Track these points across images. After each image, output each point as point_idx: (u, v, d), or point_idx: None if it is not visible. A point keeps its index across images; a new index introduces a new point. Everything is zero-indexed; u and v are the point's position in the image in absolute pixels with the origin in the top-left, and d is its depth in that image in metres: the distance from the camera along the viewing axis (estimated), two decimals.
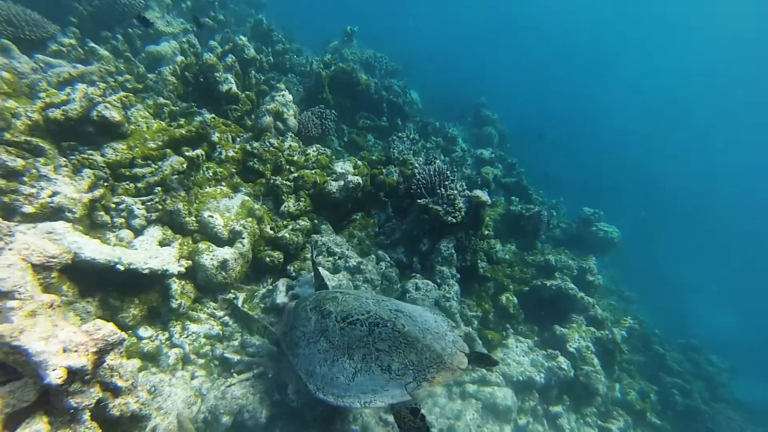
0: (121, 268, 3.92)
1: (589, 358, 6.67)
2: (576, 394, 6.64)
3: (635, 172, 40.89)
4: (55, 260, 3.10)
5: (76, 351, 2.25)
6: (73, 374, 2.25)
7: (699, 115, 53.08)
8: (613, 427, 6.58)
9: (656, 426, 7.42)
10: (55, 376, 2.09)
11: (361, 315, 3.41)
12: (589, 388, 6.52)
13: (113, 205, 4.66)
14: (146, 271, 4.08)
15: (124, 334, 2.53)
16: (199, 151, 5.02)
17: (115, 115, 5.44)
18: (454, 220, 5.96)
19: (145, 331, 4.23)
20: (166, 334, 4.30)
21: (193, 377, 4.06)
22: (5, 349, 2.14)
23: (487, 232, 7.62)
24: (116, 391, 3.01)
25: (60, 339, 2.24)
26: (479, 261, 7.02)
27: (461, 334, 5.92)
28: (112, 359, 2.51)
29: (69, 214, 4.14)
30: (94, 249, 3.92)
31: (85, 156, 4.84)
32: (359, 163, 7.06)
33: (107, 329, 2.40)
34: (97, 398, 2.51)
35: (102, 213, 4.53)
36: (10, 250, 2.90)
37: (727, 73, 53.66)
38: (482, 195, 6.13)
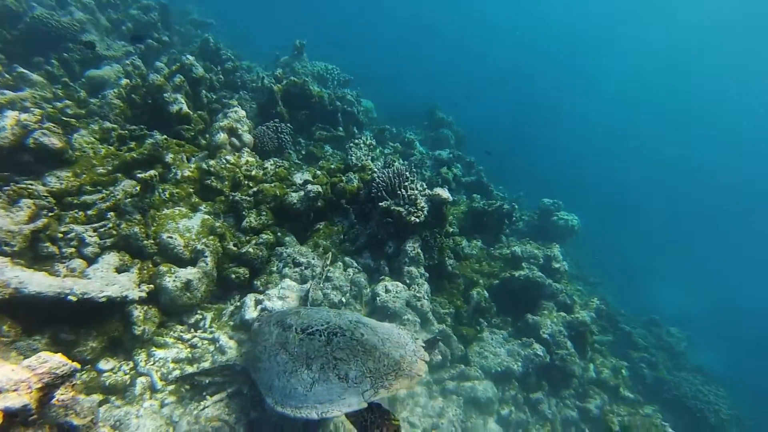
0: (73, 298, 3.70)
1: (562, 342, 6.87)
2: (553, 378, 6.82)
3: (594, 165, 42.84)
4: None
5: (15, 390, 2.09)
6: (12, 416, 2.08)
7: (648, 110, 56.51)
8: (591, 405, 6.79)
9: (629, 399, 7.73)
10: None
11: (321, 326, 3.40)
12: (565, 371, 6.71)
13: (60, 235, 4.42)
14: (103, 299, 3.88)
15: (75, 364, 2.38)
16: (152, 172, 4.87)
17: (55, 141, 5.19)
18: (417, 220, 6.04)
19: (106, 363, 4.01)
20: (130, 364, 4.09)
21: (162, 405, 3.87)
22: None
23: (452, 230, 7.76)
24: (72, 431, 2.82)
25: None
26: (447, 258, 7.12)
27: (436, 330, 5.98)
28: (62, 394, 2.35)
29: (6, 248, 3.89)
30: (40, 282, 3.68)
31: (23, 186, 4.57)
32: (318, 172, 7.04)
33: (54, 361, 2.25)
34: None
35: (48, 244, 4.28)
36: None
37: (668, 67, 57.54)
38: (443, 192, 6.25)
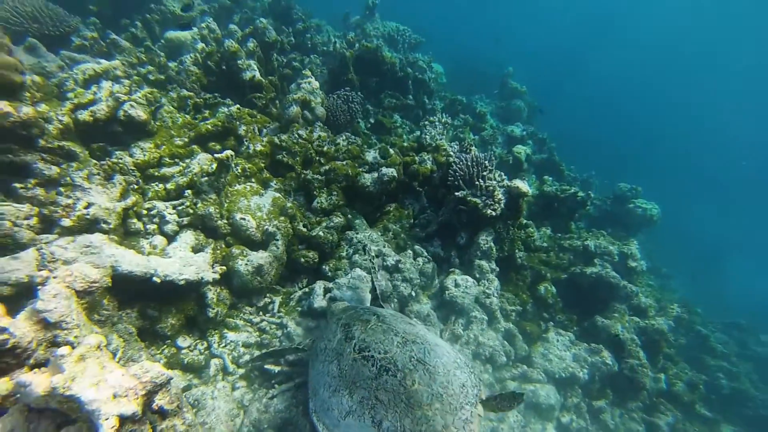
0: (158, 280, 3.83)
1: (634, 351, 6.41)
2: (620, 387, 6.42)
3: (671, 142, 39.21)
4: (96, 284, 3.01)
5: (126, 396, 2.15)
6: (125, 420, 2.15)
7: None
8: (661, 422, 6.36)
9: (707, 418, 7.17)
10: (108, 426, 2.00)
11: (378, 353, 3.11)
12: (634, 382, 6.28)
13: (145, 212, 4.55)
14: (182, 282, 3.99)
15: (170, 372, 2.42)
16: (228, 152, 4.82)
17: (141, 113, 5.30)
18: (494, 213, 5.67)
19: (183, 341, 4.18)
20: (205, 344, 4.24)
21: (234, 388, 4.00)
22: (59, 398, 2.05)
23: (525, 222, 7.29)
24: (163, 414, 2.96)
25: (110, 384, 2.13)
26: (517, 251, 6.74)
27: (502, 329, 5.74)
28: (160, 399, 2.41)
29: (104, 225, 4.04)
30: (130, 261, 3.83)
31: (115, 161, 4.71)
32: (391, 151, 6.76)
33: (155, 371, 2.29)
34: None
35: (135, 221, 4.43)
36: (54, 278, 2.80)
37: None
38: (523, 186, 5.79)
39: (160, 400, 2.41)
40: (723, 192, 34.04)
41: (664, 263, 14.17)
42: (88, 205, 3.94)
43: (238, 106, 6.38)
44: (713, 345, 10.03)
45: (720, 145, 41.74)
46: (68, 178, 4.09)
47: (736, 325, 11.86)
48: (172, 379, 2.42)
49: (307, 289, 5.02)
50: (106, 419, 1.97)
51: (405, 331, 3.37)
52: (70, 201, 3.91)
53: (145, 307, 4.05)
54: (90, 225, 3.94)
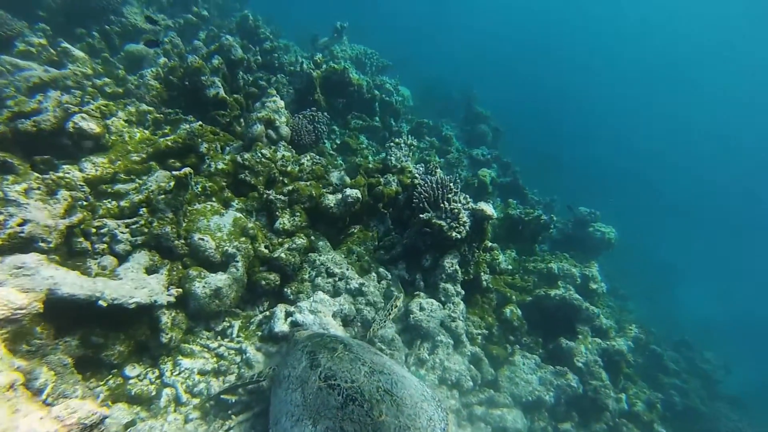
0: (104, 304, 3.55)
1: (597, 372, 6.51)
2: (584, 408, 6.47)
3: (621, 165, 41.35)
4: (22, 311, 2.73)
5: None
6: None
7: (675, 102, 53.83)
8: None
9: None
10: None
11: (345, 381, 3.01)
12: (597, 403, 6.35)
13: (94, 230, 4.26)
14: (133, 306, 3.72)
15: (104, 410, 2.19)
16: (187, 170, 4.62)
17: (93, 126, 5.05)
18: (459, 236, 5.69)
19: (132, 370, 3.87)
20: (156, 372, 3.94)
21: (186, 420, 3.72)
22: None
23: (490, 244, 7.38)
24: None
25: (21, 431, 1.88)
26: (482, 273, 6.77)
27: (468, 353, 5.70)
28: None
29: (43, 244, 3.74)
30: (73, 283, 3.54)
31: (60, 175, 4.42)
32: (357, 176, 6.71)
33: (83, 410, 2.06)
34: None
35: (81, 239, 4.14)
36: None
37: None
38: (488, 209, 5.86)
39: None
40: (682, 217, 36.11)
41: (621, 284, 14.72)
42: (23, 223, 3.63)
43: (200, 122, 6.19)
44: (666, 363, 10.41)
45: (682, 170, 44.54)
46: (0, 193, 3.76)
47: (684, 342, 12.41)
48: (105, 417, 2.19)
49: (267, 313, 4.81)
50: None
51: (372, 361, 3.29)
52: (0, 217, 3.58)
53: (88, 334, 3.73)
54: (24, 244, 3.63)
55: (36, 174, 4.43)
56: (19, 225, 3.68)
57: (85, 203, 4.53)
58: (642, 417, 7.06)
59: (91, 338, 3.73)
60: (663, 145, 48.29)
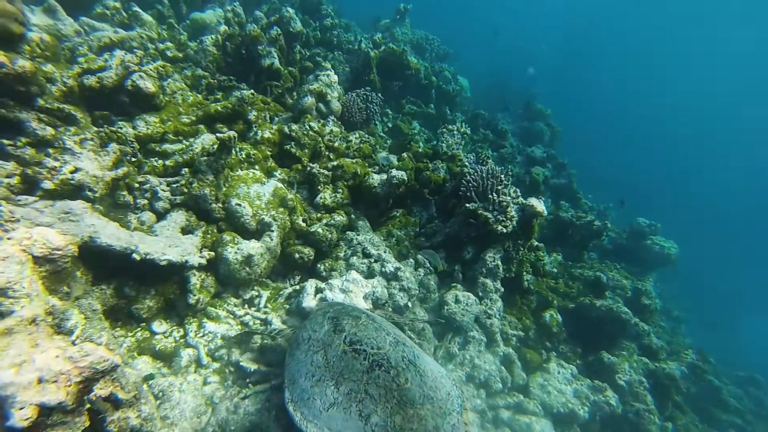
0: (137, 257, 3.56)
1: (641, 394, 5.96)
2: (621, 430, 5.96)
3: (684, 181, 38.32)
4: (59, 252, 2.74)
5: (55, 381, 1.85)
6: (50, 410, 1.85)
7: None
8: None
9: None
10: (21, 417, 1.70)
11: (371, 347, 2.95)
12: (639, 429, 5.82)
13: (137, 185, 4.32)
14: (164, 263, 3.72)
15: (118, 359, 2.13)
16: (231, 133, 4.57)
17: (149, 85, 5.11)
18: (505, 230, 5.33)
19: (159, 326, 3.90)
20: (181, 331, 3.95)
21: (205, 383, 3.70)
22: None
23: (536, 244, 6.93)
24: (116, 403, 2.67)
25: (36, 366, 1.84)
26: (525, 273, 6.36)
27: (500, 353, 5.37)
28: (101, 389, 2.11)
29: (89, 193, 3.81)
30: (111, 234, 3.59)
31: (114, 129, 4.51)
32: (404, 155, 6.47)
33: (96, 355, 2.00)
34: (83, 428, 2.13)
35: (125, 192, 4.20)
36: (8, 239, 2.54)
37: None
38: (538, 205, 5.45)
39: (101, 390, 2.11)
40: (748, 242, 32.93)
41: (674, 306, 13.57)
42: (75, 170, 3.72)
43: (252, 91, 6.18)
44: (725, 398, 9.41)
45: (752, 194, 40.52)
46: (60, 141, 3.87)
47: (752, 380, 11.17)
48: (117, 366, 2.13)
49: (298, 287, 4.72)
50: (21, 408, 1.67)
51: (395, 333, 3.27)
52: (56, 164, 3.69)
53: (122, 285, 3.79)
54: (74, 191, 3.71)
55: (95, 128, 4.56)
56: (71, 172, 3.78)
57: (133, 159, 4.61)
58: None
59: (124, 289, 3.79)
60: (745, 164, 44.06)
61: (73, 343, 2.65)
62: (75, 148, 3.96)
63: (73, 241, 2.85)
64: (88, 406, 2.06)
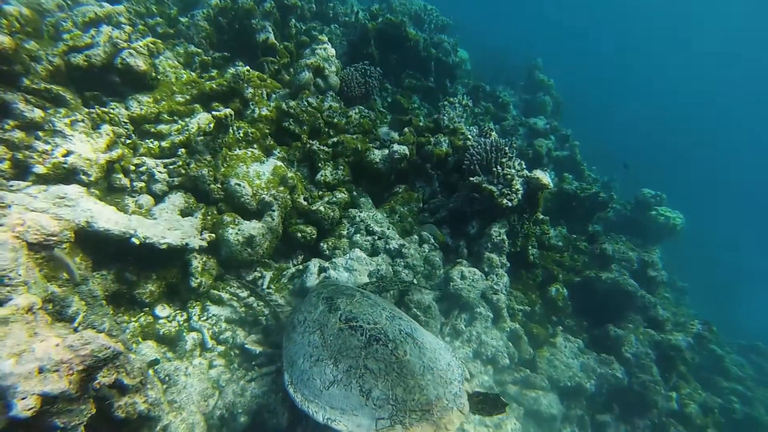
0: (136, 241, 3.49)
1: (648, 365, 5.98)
2: (627, 402, 5.99)
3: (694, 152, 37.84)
4: (54, 238, 2.66)
5: (56, 371, 1.80)
6: (53, 399, 1.80)
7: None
8: None
9: None
10: (24, 407, 1.65)
11: (367, 323, 2.93)
12: (644, 399, 5.85)
13: (133, 168, 4.21)
14: (164, 246, 3.65)
15: (120, 346, 2.07)
16: (227, 111, 4.42)
17: (140, 63, 4.93)
18: (510, 204, 5.23)
19: (162, 310, 3.86)
20: (185, 315, 3.91)
21: (211, 366, 3.68)
22: None
23: (541, 217, 6.83)
24: (122, 389, 2.63)
25: (36, 355, 1.78)
26: (530, 247, 6.29)
27: (507, 329, 5.35)
28: (104, 376, 2.06)
29: (84, 177, 3.71)
30: (108, 218, 3.50)
31: (106, 110, 4.36)
32: (405, 129, 6.30)
33: (97, 343, 1.94)
34: (89, 415, 2.08)
35: (121, 176, 4.09)
36: (1, 226, 2.46)
37: None
38: (543, 177, 5.32)
39: (105, 377, 2.05)
40: (757, 213, 32.68)
41: (679, 277, 13.56)
42: (67, 154, 3.60)
43: (247, 67, 5.98)
44: (728, 366, 9.46)
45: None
46: (50, 123, 3.73)
47: (754, 348, 11.23)
48: (120, 353, 2.07)
49: (301, 267, 4.66)
50: (23, 398, 1.62)
51: (391, 307, 3.28)
52: (48, 147, 3.57)
53: (122, 270, 3.73)
54: (67, 175, 3.60)
55: (86, 109, 4.41)
56: (63, 156, 3.66)
57: (128, 141, 4.48)
58: (694, 420, 6.46)
59: (125, 274, 3.73)
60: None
61: (75, 330, 2.60)
62: (66, 131, 3.83)
63: (68, 227, 2.77)
64: (93, 393, 2.01)
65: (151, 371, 3.18)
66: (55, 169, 3.59)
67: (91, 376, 1.98)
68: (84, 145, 3.86)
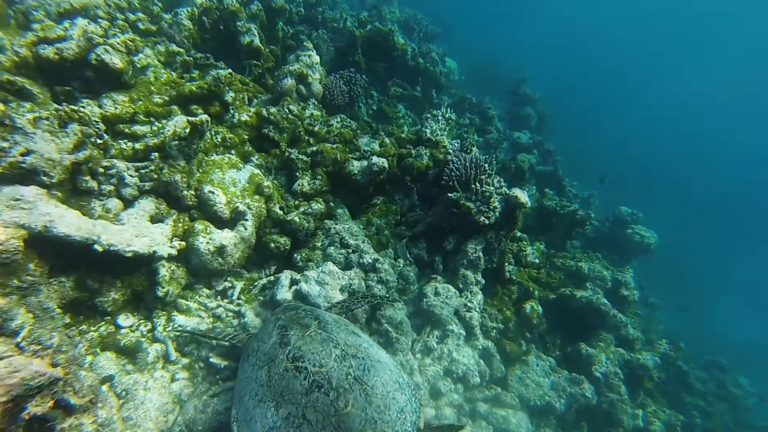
0: (99, 249, 3.35)
1: (616, 385, 6.05)
2: (595, 420, 6.06)
3: (671, 165, 38.84)
4: None
5: None
6: None
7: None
8: None
9: None
10: None
11: (313, 365, 2.78)
12: (612, 418, 5.92)
13: (102, 170, 4.05)
14: (129, 254, 3.52)
15: (58, 372, 1.95)
16: (204, 117, 4.33)
17: (116, 61, 4.77)
18: (487, 221, 5.23)
19: (125, 320, 3.72)
20: (149, 325, 3.78)
21: (173, 380, 3.56)
22: None
23: (519, 235, 6.87)
24: (68, 410, 2.50)
25: None
26: (507, 264, 6.31)
27: (480, 347, 5.34)
28: (36, 405, 1.93)
29: (45, 178, 3.55)
30: (70, 223, 3.35)
31: (75, 108, 4.19)
32: (386, 140, 6.27)
33: (29, 371, 1.82)
34: None
35: (88, 178, 3.94)
36: None
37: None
38: (521, 196, 5.35)
39: (37, 407, 1.92)
40: (728, 229, 33.65)
41: (652, 292, 13.85)
42: (26, 153, 3.44)
43: (230, 70, 5.87)
44: (692, 382, 9.72)
45: (738, 182, 41.17)
46: (9, 119, 3.57)
47: (716, 363, 11.59)
48: (58, 380, 1.95)
49: (273, 278, 4.57)
50: None
51: (346, 343, 3.04)
52: (4, 144, 3.40)
53: (84, 277, 3.58)
54: (26, 175, 3.44)
55: (55, 105, 4.24)
56: (22, 155, 3.50)
57: (99, 141, 4.32)
58: None
59: (86, 282, 3.58)
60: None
61: (18, 346, 2.46)
62: (27, 128, 3.66)
63: (16, 234, 2.63)
64: (22, 423, 1.89)
65: (105, 387, 3.05)
66: (12, 169, 3.41)
67: (19, 406, 1.85)
68: (47, 145, 3.70)
